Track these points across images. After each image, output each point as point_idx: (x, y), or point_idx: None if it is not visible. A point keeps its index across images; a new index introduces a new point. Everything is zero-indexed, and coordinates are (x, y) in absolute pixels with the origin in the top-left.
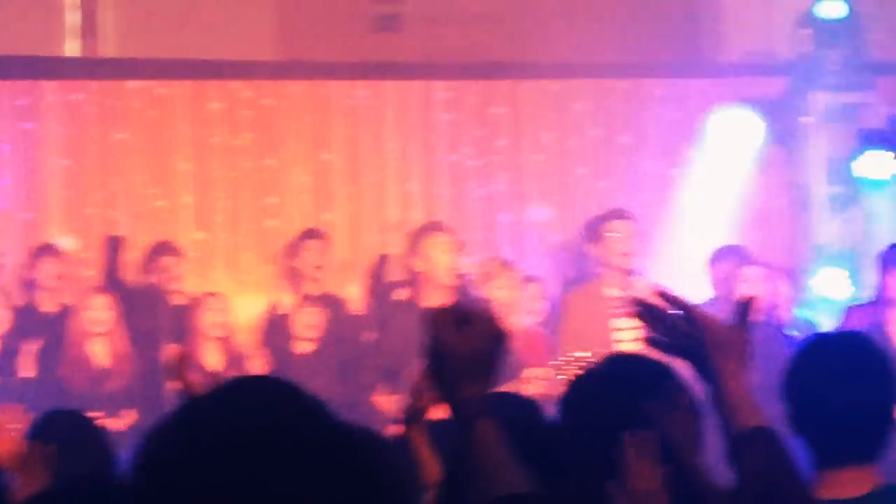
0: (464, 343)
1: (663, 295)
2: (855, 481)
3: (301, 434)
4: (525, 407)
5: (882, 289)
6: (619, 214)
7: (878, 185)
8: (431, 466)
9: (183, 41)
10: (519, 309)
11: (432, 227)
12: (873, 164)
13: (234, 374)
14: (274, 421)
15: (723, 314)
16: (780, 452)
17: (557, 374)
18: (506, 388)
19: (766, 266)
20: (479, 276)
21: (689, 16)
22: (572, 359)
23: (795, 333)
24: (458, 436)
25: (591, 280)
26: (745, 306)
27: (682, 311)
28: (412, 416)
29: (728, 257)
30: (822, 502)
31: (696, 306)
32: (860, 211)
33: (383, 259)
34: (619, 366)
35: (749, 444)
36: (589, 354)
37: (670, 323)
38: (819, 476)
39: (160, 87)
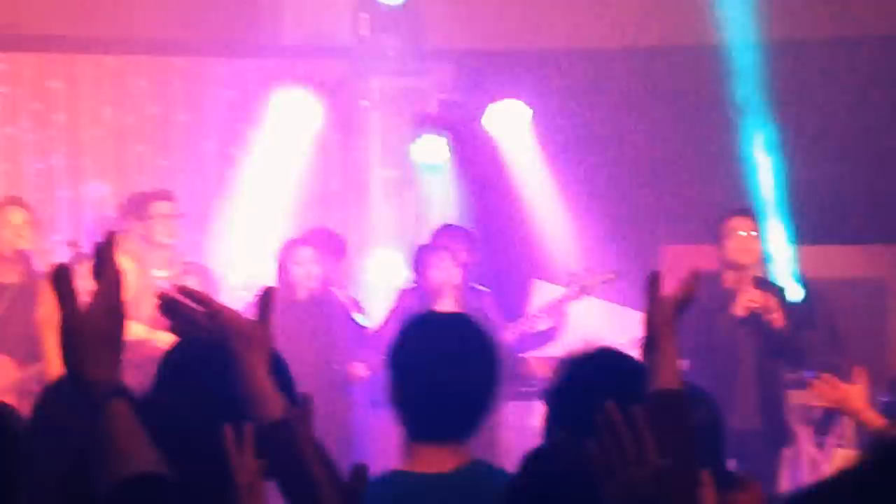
0: (90, 323)
1: (184, 291)
2: (441, 458)
3: None
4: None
5: (423, 278)
6: (164, 196)
7: (433, 168)
8: None
9: None
10: None
11: (7, 202)
12: (429, 148)
13: None
14: None
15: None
16: (305, 441)
17: None
18: None
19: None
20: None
21: None
22: None
23: (354, 314)
24: (88, 417)
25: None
26: (264, 298)
27: (203, 308)
28: None
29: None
30: (408, 475)
31: (216, 303)
32: (416, 194)
33: None
34: None
35: (274, 435)
36: None
37: (191, 317)
38: (408, 449)
39: None
